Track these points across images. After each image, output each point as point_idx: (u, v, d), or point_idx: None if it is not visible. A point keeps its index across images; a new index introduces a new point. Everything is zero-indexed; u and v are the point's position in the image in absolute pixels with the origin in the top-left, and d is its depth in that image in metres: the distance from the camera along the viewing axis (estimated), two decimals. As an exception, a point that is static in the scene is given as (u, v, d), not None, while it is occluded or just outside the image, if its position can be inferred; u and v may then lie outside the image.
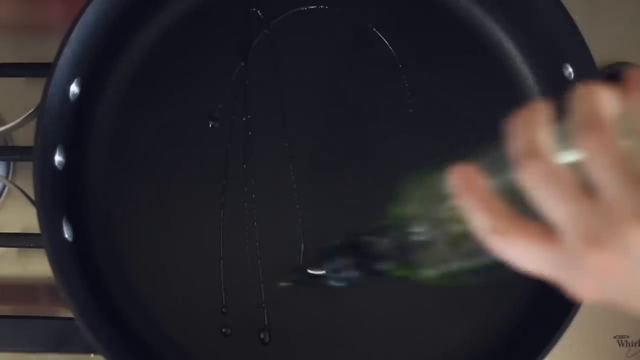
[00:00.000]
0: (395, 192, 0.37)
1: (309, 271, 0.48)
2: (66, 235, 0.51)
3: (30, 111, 0.51)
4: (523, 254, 0.30)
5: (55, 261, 0.47)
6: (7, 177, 0.58)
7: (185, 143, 0.55)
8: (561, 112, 0.30)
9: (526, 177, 0.29)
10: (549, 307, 0.51)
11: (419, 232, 0.36)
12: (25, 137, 0.55)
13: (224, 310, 0.53)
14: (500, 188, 0.31)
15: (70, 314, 0.48)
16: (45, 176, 0.49)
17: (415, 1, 0.57)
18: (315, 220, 0.54)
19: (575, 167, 0.28)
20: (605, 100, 0.28)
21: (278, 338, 0.53)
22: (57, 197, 0.51)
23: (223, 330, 0.53)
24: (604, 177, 0.27)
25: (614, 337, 0.57)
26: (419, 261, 0.37)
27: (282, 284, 0.52)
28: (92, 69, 0.53)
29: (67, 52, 0.50)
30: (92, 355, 0.55)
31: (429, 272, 0.36)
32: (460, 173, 0.31)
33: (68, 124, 0.52)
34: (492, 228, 0.30)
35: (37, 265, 0.57)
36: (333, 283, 0.46)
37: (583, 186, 0.28)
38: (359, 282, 0.44)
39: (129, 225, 0.54)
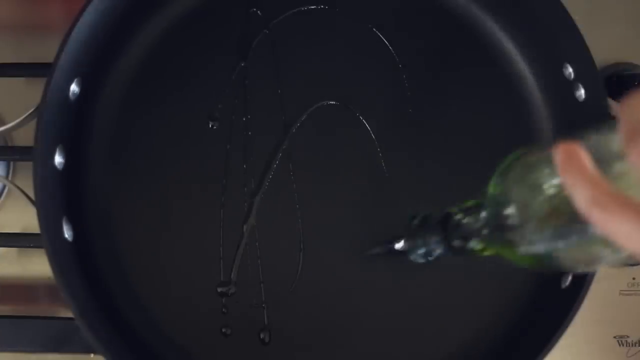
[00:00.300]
0: (492, 169, 0.37)
1: (395, 246, 0.49)
2: (66, 235, 0.51)
3: (30, 111, 0.52)
4: (623, 230, 0.29)
5: (55, 261, 0.47)
6: (7, 177, 0.58)
7: (185, 143, 0.55)
8: None
9: (636, 159, 0.29)
10: (549, 307, 0.51)
11: (513, 212, 0.36)
12: (25, 137, 0.55)
13: (224, 310, 0.53)
14: (607, 174, 0.31)
15: (70, 314, 0.48)
16: (45, 176, 0.49)
17: (415, 1, 0.57)
18: (315, 220, 0.54)
19: None
20: None
21: (278, 338, 0.53)
22: (57, 197, 0.51)
23: (223, 330, 0.53)
24: None
25: (614, 337, 0.57)
26: (509, 241, 0.37)
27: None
28: (92, 69, 0.53)
29: (67, 52, 0.50)
30: (92, 355, 0.55)
31: (518, 252, 0.36)
32: (566, 148, 0.31)
33: (68, 124, 0.52)
34: (595, 200, 0.29)
35: (37, 265, 0.57)
36: (416, 258, 0.47)
37: None
38: (440, 258, 0.45)
39: (129, 225, 0.54)
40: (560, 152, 0.31)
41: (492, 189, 0.38)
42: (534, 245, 0.35)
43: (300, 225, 0.54)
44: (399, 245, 0.48)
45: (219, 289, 0.53)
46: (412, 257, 0.48)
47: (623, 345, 0.57)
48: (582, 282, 0.48)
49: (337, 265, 0.54)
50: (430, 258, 0.46)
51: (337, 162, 0.55)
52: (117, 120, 0.55)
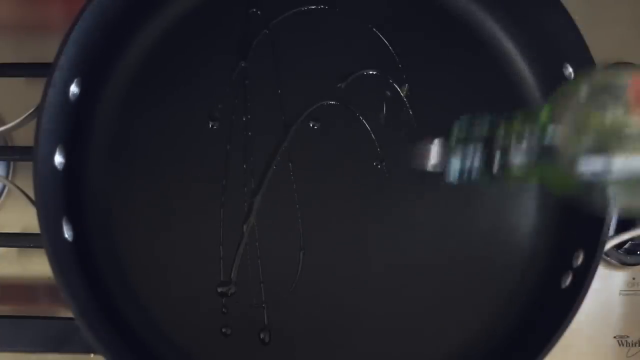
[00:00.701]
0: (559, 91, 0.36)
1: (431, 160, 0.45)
2: (66, 235, 0.51)
3: (30, 111, 0.51)
4: None
5: (55, 261, 0.47)
6: (7, 177, 0.58)
7: (185, 143, 0.55)
8: None
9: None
10: (549, 307, 0.51)
11: (566, 134, 0.36)
12: (25, 137, 0.55)
13: (224, 310, 0.53)
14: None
15: (70, 314, 0.48)
16: (45, 176, 0.49)
17: (415, 1, 0.57)
18: (315, 220, 0.54)
19: None
20: None
21: (278, 338, 0.53)
22: (57, 197, 0.51)
23: (223, 330, 0.53)
24: None
25: (614, 337, 0.57)
26: (554, 163, 0.36)
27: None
28: (92, 69, 0.53)
29: (67, 52, 0.50)
30: (92, 355, 0.55)
31: (561, 176, 0.36)
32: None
33: (68, 124, 0.52)
34: None
35: (37, 265, 0.57)
36: (451, 174, 0.44)
37: None
38: (476, 177, 0.42)
39: (129, 225, 0.54)
40: (634, 83, 0.31)
41: (547, 109, 0.37)
42: (582, 170, 0.35)
43: (300, 225, 0.54)
44: (434, 149, 0.45)
45: (219, 289, 0.53)
46: (447, 171, 0.44)
47: (623, 345, 0.57)
48: (582, 282, 0.48)
49: (337, 265, 0.54)
50: (465, 176, 0.43)
51: (337, 162, 0.55)
52: (117, 120, 0.55)
